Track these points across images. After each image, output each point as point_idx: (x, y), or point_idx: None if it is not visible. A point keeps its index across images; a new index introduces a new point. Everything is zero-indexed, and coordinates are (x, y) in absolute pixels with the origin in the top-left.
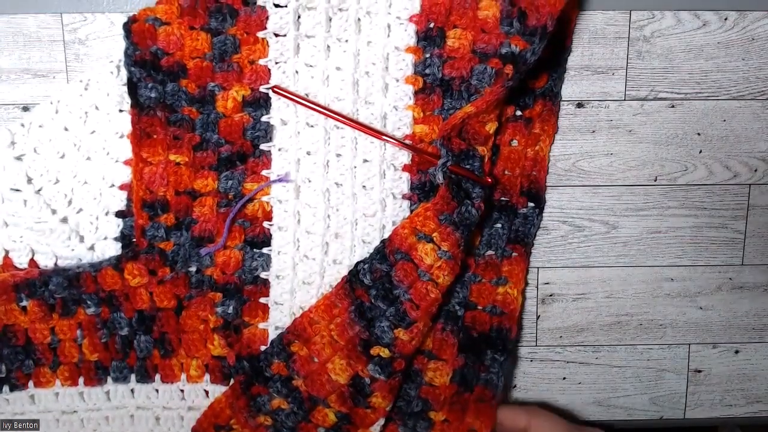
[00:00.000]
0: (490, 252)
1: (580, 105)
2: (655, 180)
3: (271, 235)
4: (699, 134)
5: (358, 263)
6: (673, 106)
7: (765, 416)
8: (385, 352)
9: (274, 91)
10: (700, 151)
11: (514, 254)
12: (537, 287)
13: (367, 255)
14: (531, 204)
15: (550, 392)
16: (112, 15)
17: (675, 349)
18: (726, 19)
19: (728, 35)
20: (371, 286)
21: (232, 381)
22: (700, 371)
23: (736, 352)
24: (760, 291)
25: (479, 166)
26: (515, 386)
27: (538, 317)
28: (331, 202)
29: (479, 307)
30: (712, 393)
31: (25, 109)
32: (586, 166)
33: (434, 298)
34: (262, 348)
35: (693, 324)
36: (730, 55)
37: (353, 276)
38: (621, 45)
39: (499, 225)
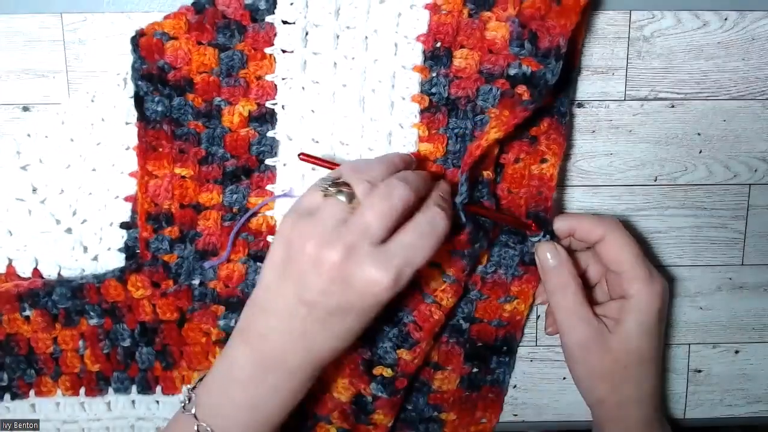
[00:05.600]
0: (500, 271)
1: (580, 105)
2: (655, 180)
3: None
4: (699, 134)
5: None
6: (673, 106)
7: (765, 416)
8: (387, 372)
9: (301, 159)
10: (700, 151)
11: (525, 275)
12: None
13: None
14: (542, 232)
15: (550, 392)
16: (113, 15)
17: (675, 349)
18: (726, 19)
19: (728, 35)
20: None
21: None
22: (700, 371)
23: (736, 352)
24: (760, 291)
25: (487, 191)
26: (515, 386)
27: (538, 317)
28: None
29: (485, 321)
30: (712, 393)
31: (26, 109)
32: (586, 166)
33: (437, 320)
34: None
35: (693, 324)
36: (730, 55)
37: None
38: (621, 45)
39: (510, 248)
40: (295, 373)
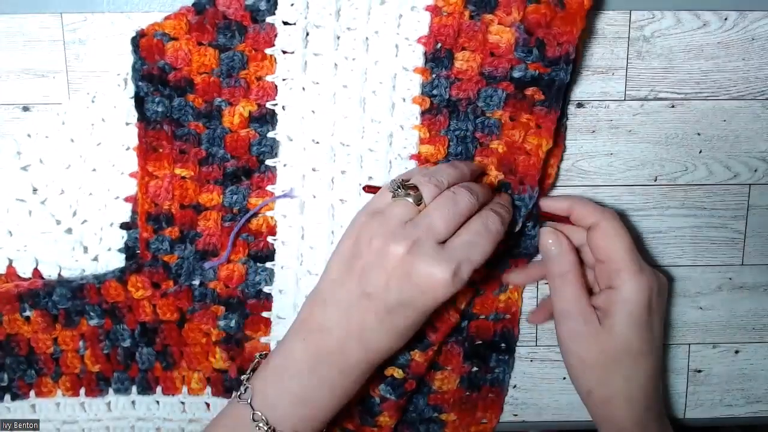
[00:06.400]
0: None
1: (580, 105)
2: (655, 180)
3: (274, 249)
4: (699, 134)
5: None
6: (673, 106)
7: (765, 416)
8: (398, 373)
9: (366, 191)
10: (700, 151)
11: (514, 267)
12: (537, 287)
13: None
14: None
15: (550, 392)
16: (112, 15)
17: (675, 349)
18: (726, 19)
19: (728, 35)
20: None
21: (233, 394)
22: (700, 371)
23: (736, 352)
24: (760, 291)
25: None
26: (515, 386)
27: None
28: (336, 219)
29: (482, 316)
30: (712, 393)
31: (26, 109)
32: (586, 166)
33: (454, 322)
34: None
35: (693, 324)
36: (730, 55)
37: None
38: (621, 45)
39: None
40: (350, 370)
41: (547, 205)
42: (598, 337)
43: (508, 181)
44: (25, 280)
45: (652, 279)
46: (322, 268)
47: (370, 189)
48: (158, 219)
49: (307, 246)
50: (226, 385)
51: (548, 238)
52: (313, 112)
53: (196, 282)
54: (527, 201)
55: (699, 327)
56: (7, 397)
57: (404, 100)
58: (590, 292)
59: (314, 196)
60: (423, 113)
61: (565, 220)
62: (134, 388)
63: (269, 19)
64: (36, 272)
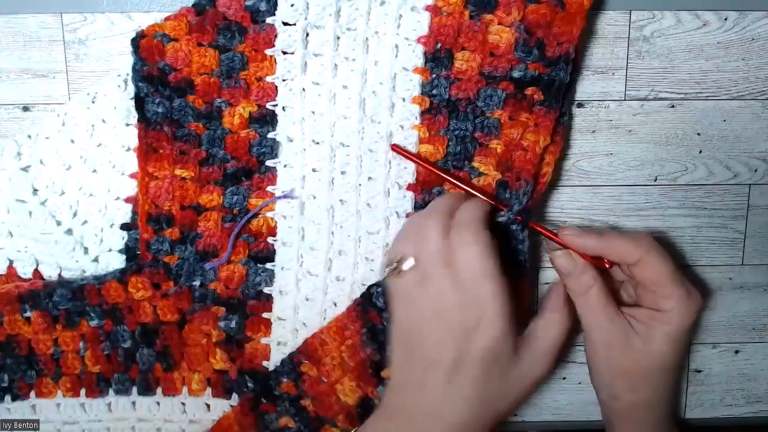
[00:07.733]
0: None
1: (580, 105)
2: (655, 180)
3: (275, 250)
4: (699, 134)
5: (371, 286)
6: (673, 106)
7: (765, 416)
8: None
9: (393, 149)
10: (700, 151)
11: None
12: (537, 287)
13: (370, 272)
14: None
15: (550, 392)
16: (112, 15)
17: None
18: (726, 19)
19: (728, 35)
20: (384, 309)
21: (233, 396)
22: (700, 371)
23: (736, 352)
24: (760, 291)
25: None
26: None
27: None
28: (336, 219)
29: None
30: (712, 393)
31: (26, 109)
32: (586, 166)
33: None
34: (264, 363)
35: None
36: (730, 55)
37: (366, 299)
38: (621, 45)
39: None
40: None
41: (574, 243)
42: (633, 345)
43: (506, 179)
44: (25, 280)
45: (699, 302)
46: (322, 268)
47: (397, 149)
48: (158, 220)
49: (308, 247)
50: (226, 386)
51: (561, 261)
52: (313, 112)
53: (197, 283)
54: (521, 197)
55: (699, 327)
56: (8, 397)
57: (404, 100)
58: (619, 301)
59: (314, 197)
60: (423, 113)
61: (600, 262)
62: (135, 389)
63: (269, 20)
64: (36, 273)
